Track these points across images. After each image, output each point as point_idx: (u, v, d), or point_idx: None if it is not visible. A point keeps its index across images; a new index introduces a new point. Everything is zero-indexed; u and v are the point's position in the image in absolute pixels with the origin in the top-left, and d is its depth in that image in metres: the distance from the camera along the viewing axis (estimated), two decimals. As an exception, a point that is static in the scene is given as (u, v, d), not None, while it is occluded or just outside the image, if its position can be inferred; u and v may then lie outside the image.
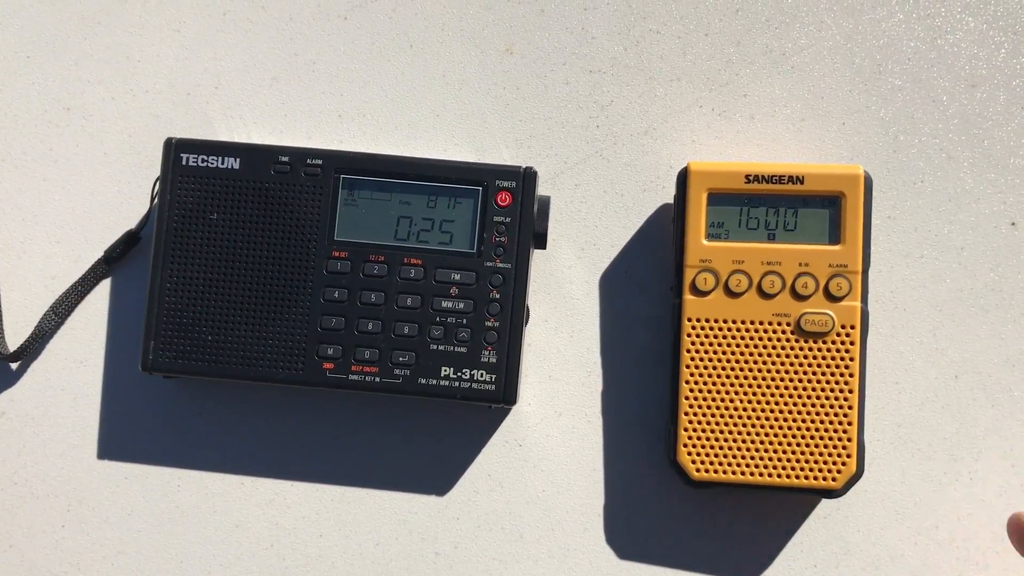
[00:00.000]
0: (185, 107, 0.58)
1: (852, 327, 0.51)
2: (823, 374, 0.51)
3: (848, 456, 0.50)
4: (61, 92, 0.59)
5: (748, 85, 0.57)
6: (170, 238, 0.53)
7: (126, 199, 0.58)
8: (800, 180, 0.51)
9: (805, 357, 0.51)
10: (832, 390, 0.51)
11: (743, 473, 0.51)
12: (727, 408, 0.51)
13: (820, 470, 0.51)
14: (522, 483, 0.55)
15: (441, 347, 0.52)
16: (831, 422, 0.51)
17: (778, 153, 0.56)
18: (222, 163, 0.53)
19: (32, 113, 0.59)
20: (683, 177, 0.52)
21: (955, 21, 0.56)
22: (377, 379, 0.52)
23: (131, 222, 0.57)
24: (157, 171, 0.56)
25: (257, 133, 0.58)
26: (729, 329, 0.51)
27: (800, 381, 0.51)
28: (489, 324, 0.52)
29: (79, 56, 0.59)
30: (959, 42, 0.56)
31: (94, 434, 0.56)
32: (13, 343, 0.57)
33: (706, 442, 0.51)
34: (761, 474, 0.51)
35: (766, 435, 0.51)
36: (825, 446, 0.51)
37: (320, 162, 0.53)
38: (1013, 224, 0.55)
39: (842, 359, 0.51)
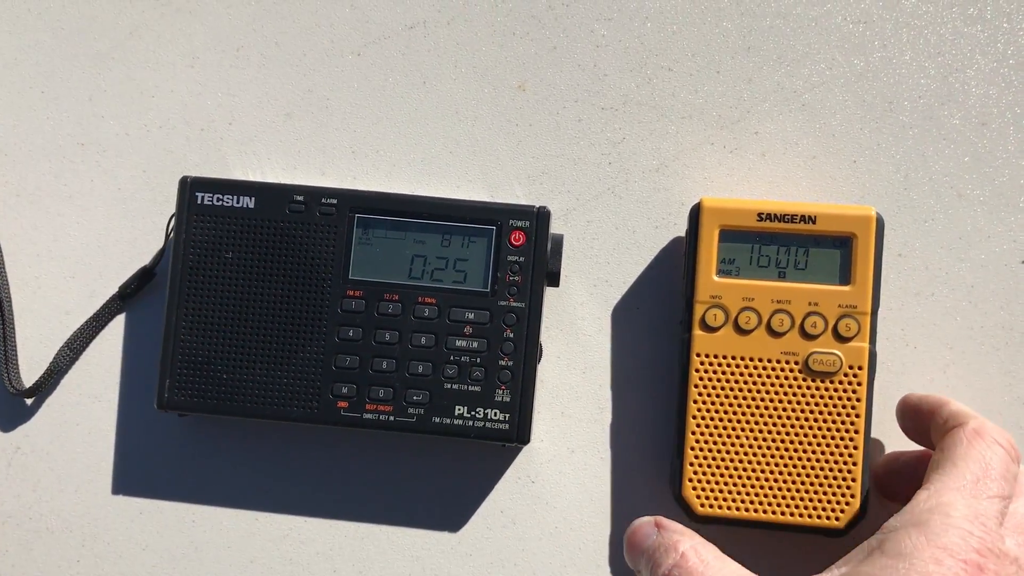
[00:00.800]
0: (199, 142, 0.59)
1: (860, 368, 0.51)
2: (829, 414, 0.51)
3: (852, 496, 0.51)
4: (75, 127, 0.59)
5: (759, 123, 0.57)
6: (185, 277, 0.53)
7: (140, 234, 0.58)
8: (812, 220, 0.52)
9: (812, 396, 0.51)
10: (838, 430, 0.51)
11: (747, 510, 0.51)
12: (733, 444, 0.51)
13: (824, 509, 0.51)
14: (534, 520, 0.55)
15: (455, 386, 0.52)
16: (836, 462, 0.51)
17: (789, 191, 0.56)
18: (237, 202, 0.53)
19: (46, 148, 0.59)
20: (695, 213, 0.53)
21: (965, 59, 0.56)
22: (391, 418, 0.52)
23: (145, 258, 0.58)
24: (171, 206, 0.56)
25: (271, 169, 0.58)
26: (737, 366, 0.52)
27: (807, 420, 0.51)
28: (503, 363, 0.52)
29: (93, 91, 0.59)
30: (969, 80, 0.56)
31: (109, 469, 0.57)
32: (28, 379, 0.57)
33: (711, 478, 0.51)
34: (764, 511, 0.51)
35: (771, 473, 0.51)
36: (830, 486, 0.51)
37: (335, 201, 0.53)
38: (1023, 262, 0.55)
39: (849, 399, 0.51)
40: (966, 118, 0.56)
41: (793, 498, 0.51)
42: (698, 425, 0.52)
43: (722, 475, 0.51)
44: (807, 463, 0.51)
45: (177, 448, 0.57)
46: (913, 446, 0.52)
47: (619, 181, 0.57)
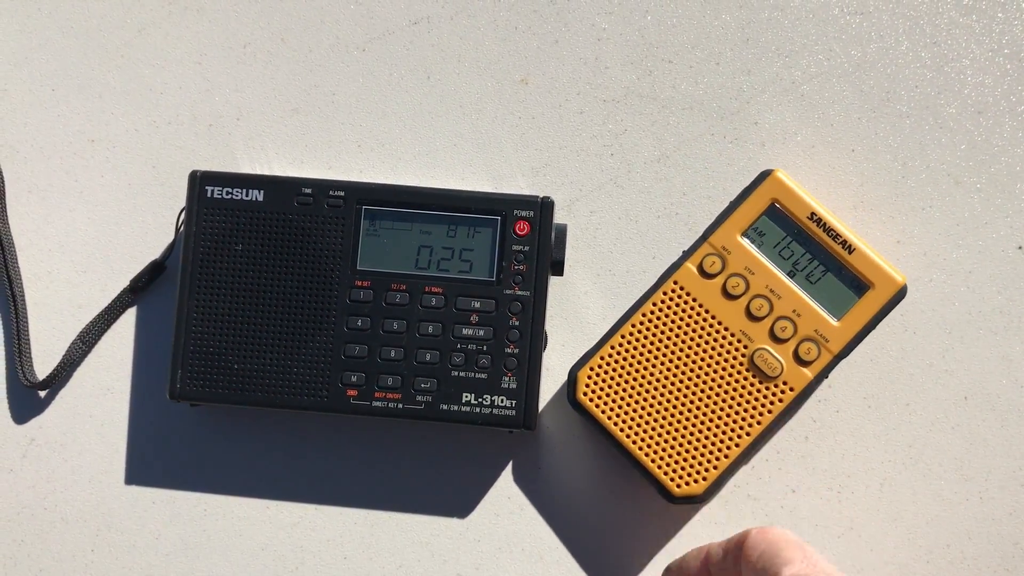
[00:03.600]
0: (207, 138, 0.60)
1: (791, 389, 0.52)
2: (742, 401, 0.52)
3: (714, 469, 0.51)
4: (86, 124, 0.60)
5: (759, 113, 0.58)
6: (196, 269, 0.54)
7: (150, 229, 0.59)
8: (851, 250, 0.52)
9: (737, 379, 0.52)
10: (743, 417, 0.52)
11: (622, 430, 0.52)
12: (647, 371, 0.52)
13: (677, 472, 0.52)
14: (542, 506, 0.56)
15: (462, 373, 0.53)
16: (722, 442, 0.52)
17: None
18: (246, 195, 0.54)
19: (58, 145, 0.60)
20: (763, 177, 0.53)
21: (961, 49, 0.57)
22: (400, 405, 0.53)
23: (156, 252, 0.59)
24: (180, 201, 0.57)
25: (278, 163, 0.59)
26: (697, 314, 0.53)
27: (719, 394, 0.52)
28: (509, 351, 0.53)
29: (103, 89, 0.60)
30: (965, 69, 0.57)
31: (122, 460, 0.58)
32: (42, 371, 0.58)
33: (609, 384, 0.52)
34: (635, 442, 0.52)
35: (664, 417, 0.52)
36: (702, 455, 0.52)
37: (342, 194, 0.54)
38: (1020, 248, 0.56)
39: (763, 404, 0.52)
40: (962, 107, 0.57)
41: (669, 445, 0.52)
42: (628, 336, 0.53)
43: (620, 388, 0.52)
44: (699, 425, 0.52)
45: (189, 438, 0.58)
46: None
47: (621, 172, 0.58)
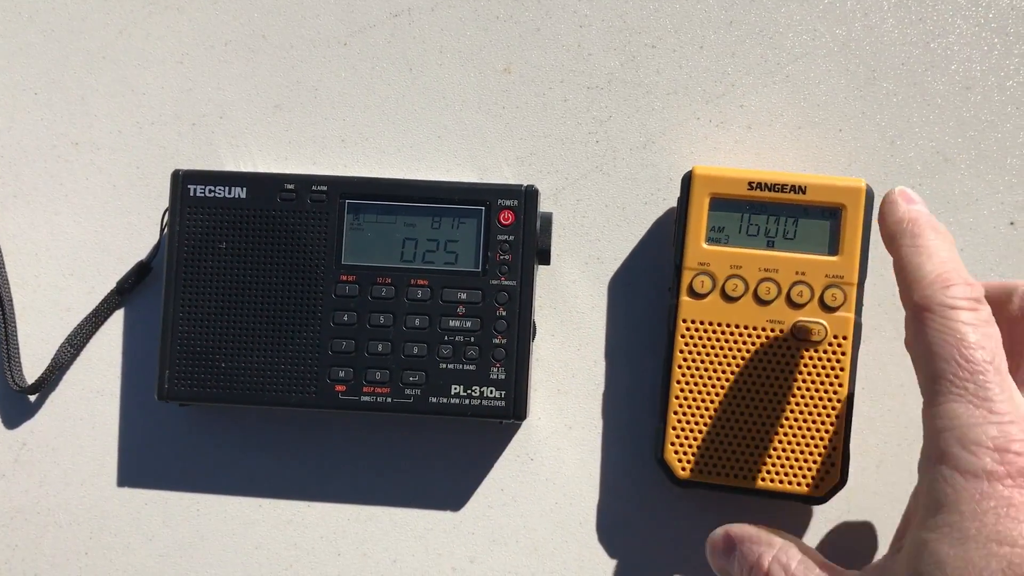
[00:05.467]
0: (191, 137, 0.59)
1: (844, 337, 0.51)
2: (813, 382, 0.51)
3: (832, 465, 0.51)
4: (69, 127, 0.60)
5: (744, 96, 0.57)
6: (181, 268, 0.54)
7: (136, 230, 0.59)
8: (802, 190, 0.52)
9: (796, 365, 0.52)
10: (821, 398, 0.51)
11: (728, 475, 0.52)
12: (716, 410, 0.52)
13: (804, 477, 0.51)
14: (535, 496, 0.56)
15: (450, 366, 0.53)
16: (818, 430, 0.51)
17: (776, 161, 0.57)
18: (229, 192, 0.54)
19: (41, 149, 0.60)
20: (687, 181, 0.53)
21: (947, 24, 0.57)
22: (389, 399, 0.53)
23: (142, 253, 0.59)
24: (165, 201, 0.57)
25: (262, 160, 0.59)
26: (723, 332, 0.52)
27: (790, 388, 0.52)
28: (496, 341, 0.53)
29: (85, 91, 0.60)
30: (951, 45, 0.57)
31: (113, 462, 0.58)
32: (31, 375, 0.58)
33: (693, 442, 0.52)
34: (745, 477, 0.52)
35: (753, 439, 0.52)
36: (811, 454, 0.51)
37: (325, 188, 0.54)
38: (1012, 224, 0.55)
39: (832, 369, 0.51)
40: (949, 83, 0.57)
41: (774, 465, 0.51)
42: (681, 390, 0.52)
43: (704, 440, 0.52)
44: (789, 431, 0.51)
45: (179, 439, 0.57)
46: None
47: (607, 159, 0.58)
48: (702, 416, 0.52)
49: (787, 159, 0.57)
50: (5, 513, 0.58)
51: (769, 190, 0.52)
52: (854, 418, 0.53)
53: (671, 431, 0.52)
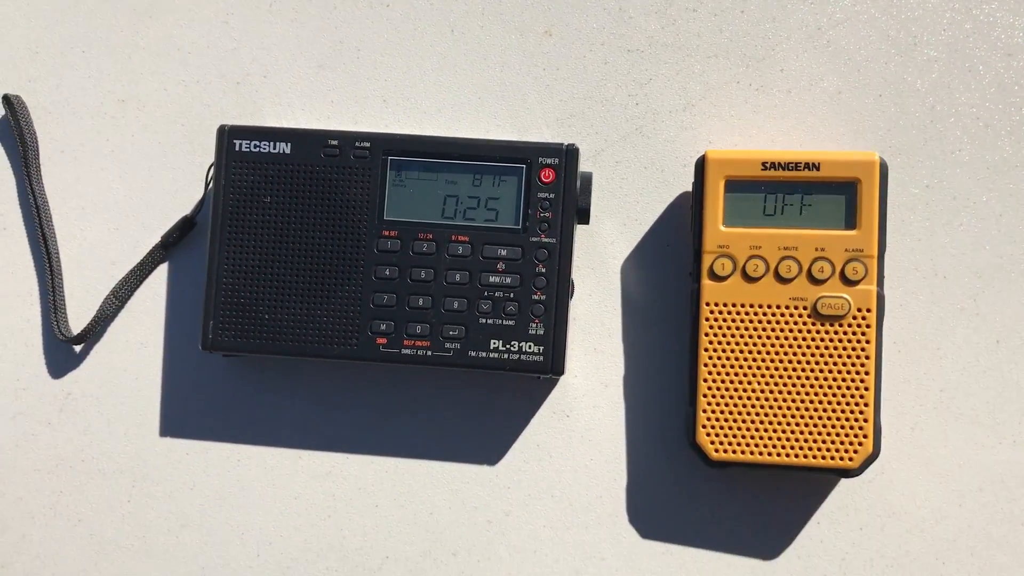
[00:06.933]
0: (235, 96, 0.60)
1: (868, 310, 0.51)
2: (839, 357, 0.52)
3: (865, 436, 0.51)
4: (116, 84, 0.61)
5: (784, 60, 0.57)
6: (226, 222, 0.55)
7: (181, 186, 0.60)
8: (816, 167, 0.52)
9: (822, 340, 0.52)
10: (849, 371, 0.52)
11: (761, 453, 0.52)
12: (745, 390, 0.52)
13: (837, 450, 0.51)
14: (570, 452, 0.56)
15: (490, 320, 0.53)
16: (848, 403, 0.51)
17: (815, 126, 0.57)
18: (274, 148, 0.55)
19: (88, 106, 0.61)
20: (701, 165, 0.53)
21: (990, -9, 0.57)
22: (429, 353, 0.54)
23: (186, 208, 0.60)
24: (209, 158, 0.58)
25: (305, 119, 0.60)
26: (747, 313, 0.52)
27: (817, 364, 0.52)
28: (536, 297, 0.53)
29: (132, 49, 0.61)
30: (994, 12, 0.57)
31: (156, 412, 0.59)
32: (76, 326, 0.59)
33: (724, 423, 0.52)
34: (779, 455, 0.52)
35: (783, 416, 0.52)
36: (842, 427, 0.51)
37: (368, 145, 0.54)
38: (1052, 190, 0.56)
39: (858, 342, 0.52)
40: (991, 49, 0.57)
41: (806, 441, 0.52)
42: (710, 373, 0.52)
43: (735, 420, 0.52)
44: (819, 405, 0.52)
45: (221, 390, 0.58)
46: None
47: (647, 121, 0.58)
48: (732, 397, 0.52)
49: (826, 124, 0.57)
50: (50, 460, 0.59)
51: (783, 169, 0.52)
52: (883, 388, 0.53)
53: (701, 414, 0.52)
